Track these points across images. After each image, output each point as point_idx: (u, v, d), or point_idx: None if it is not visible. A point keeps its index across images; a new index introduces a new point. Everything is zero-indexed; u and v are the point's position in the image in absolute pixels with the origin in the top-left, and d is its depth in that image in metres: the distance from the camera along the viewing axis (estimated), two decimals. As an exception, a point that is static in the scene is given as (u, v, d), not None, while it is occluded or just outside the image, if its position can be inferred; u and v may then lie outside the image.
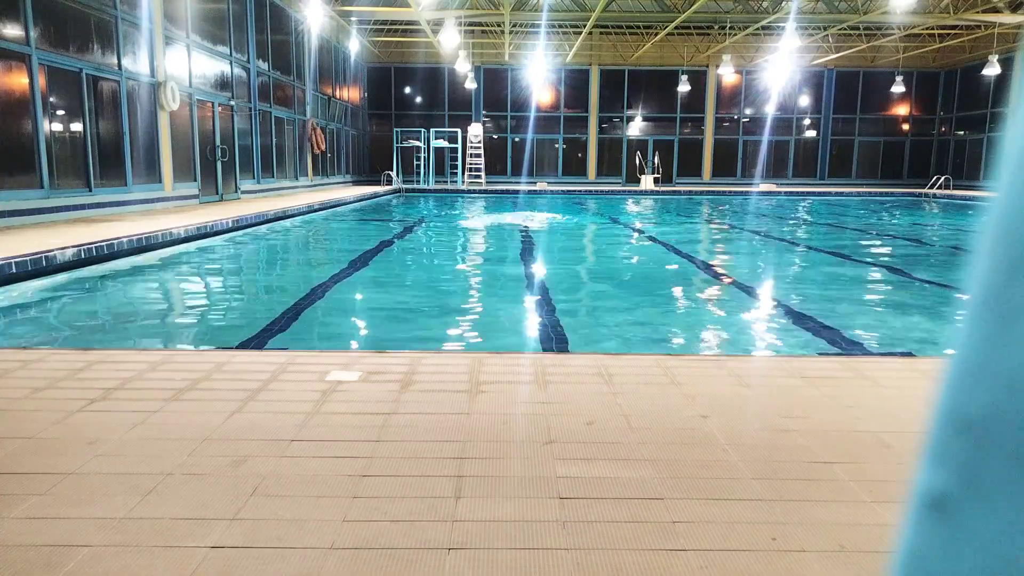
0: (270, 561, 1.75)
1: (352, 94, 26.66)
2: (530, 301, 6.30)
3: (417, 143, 26.24)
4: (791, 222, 15.29)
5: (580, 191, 24.84)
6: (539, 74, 25.94)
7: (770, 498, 2.09)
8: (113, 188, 11.54)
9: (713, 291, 7.10)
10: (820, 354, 4.39)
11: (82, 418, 2.67)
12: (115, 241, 7.83)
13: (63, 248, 6.97)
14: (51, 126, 10.16)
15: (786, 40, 19.98)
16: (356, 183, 26.54)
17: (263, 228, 11.90)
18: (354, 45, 23.36)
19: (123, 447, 2.41)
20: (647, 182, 26.51)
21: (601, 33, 27.74)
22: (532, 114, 28.87)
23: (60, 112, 10.51)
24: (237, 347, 4.54)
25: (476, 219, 15.13)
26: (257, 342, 4.67)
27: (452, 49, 22.08)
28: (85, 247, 7.27)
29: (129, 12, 11.88)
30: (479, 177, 26.49)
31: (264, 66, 17.93)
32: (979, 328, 0.31)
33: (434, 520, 1.95)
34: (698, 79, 28.53)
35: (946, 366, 0.33)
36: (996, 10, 20.14)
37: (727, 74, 26.40)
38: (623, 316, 5.78)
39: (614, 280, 7.84)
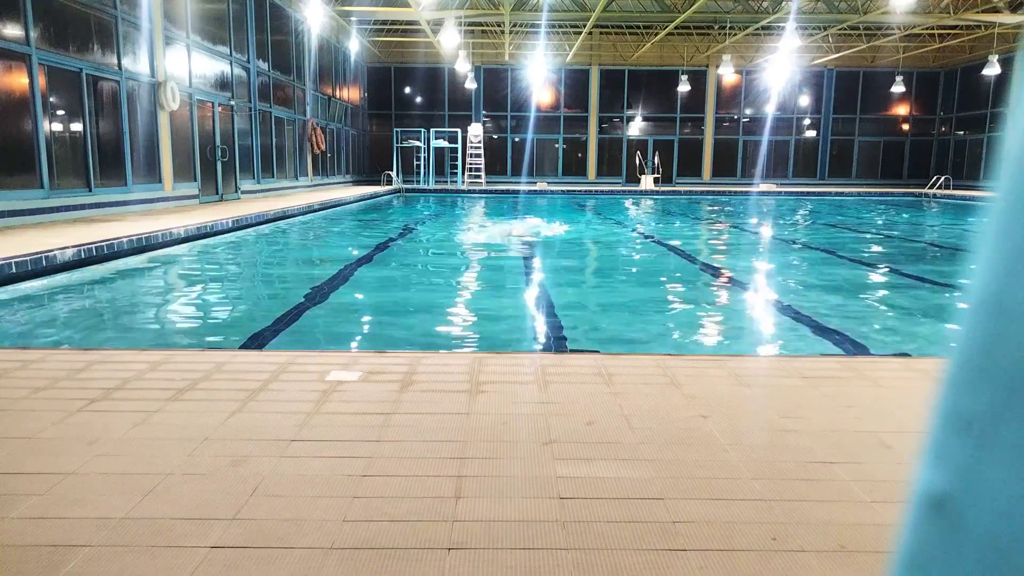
0: (270, 561, 1.75)
1: (352, 94, 26.65)
2: (529, 300, 6.30)
3: (417, 143, 26.23)
4: (791, 222, 15.28)
5: (580, 191, 24.84)
6: (539, 74, 25.92)
7: (770, 498, 2.09)
8: (113, 188, 11.54)
9: (713, 291, 7.10)
10: (820, 354, 4.39)
11: (82, 418, 2.67)
12: (115, 241, 7.83)
13: (63, 248, 6.97)
14: (51, 126, 10.15)
15: (786, 40, 19.97)
16: (356, 183, 26.53)
17: (263, 228, 11.90)
18: (354, 45, 23.35)
19: (123, 447, 2.41)
20: (647, 182, 26.50)
21: (601, 33, 27.74)
22: (532, 114, 28.86)
23: (60, 112, 10.50)
24: (237, 347, 4.54)
25: (476, 219, 15.12)
26: (257, 342, 4.67)
27: (452, 49, 22.08)
28: (85, 247, 7.27)
29: (129, 12, 11.88)
30: (479, 177, 26.48)
31: (264, 66, 17.92)
32: (979, 327, 0.31)
33: (434, 520, 1.94)
34: (698, 79, 28.52)
35: (946, 365, 0.33)
36: (996, 10, 20.13)
37: (727, 74, 26.37)
38: (624, 316, 5.77)
39: (614, 280, 7.84)
